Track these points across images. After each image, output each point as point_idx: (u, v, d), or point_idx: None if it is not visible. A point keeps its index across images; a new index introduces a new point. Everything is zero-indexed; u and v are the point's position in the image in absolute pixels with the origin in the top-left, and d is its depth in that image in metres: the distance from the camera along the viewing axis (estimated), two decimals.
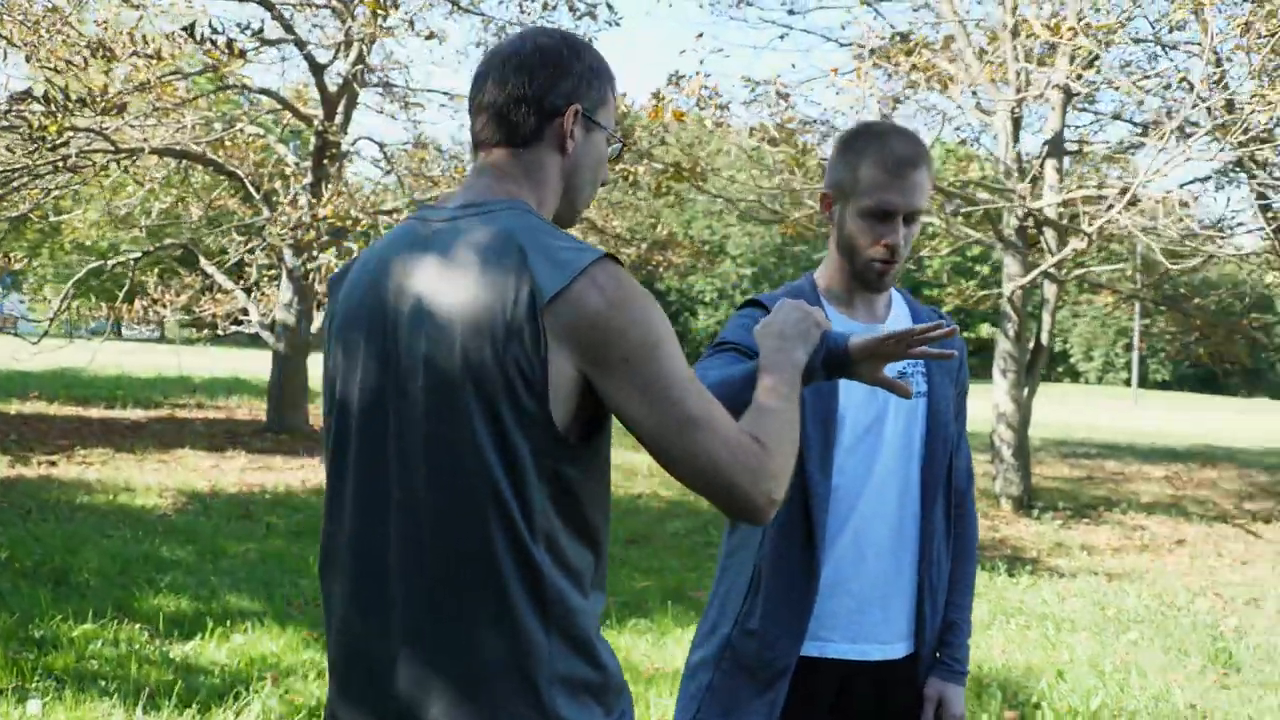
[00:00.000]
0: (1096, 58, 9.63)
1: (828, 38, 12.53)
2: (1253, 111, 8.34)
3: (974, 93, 9.85)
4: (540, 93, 1.49)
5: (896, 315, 2.12)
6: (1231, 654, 5.84)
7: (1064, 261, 9.72)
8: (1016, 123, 9.78)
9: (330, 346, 1.57)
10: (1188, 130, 9.35)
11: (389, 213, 12.18)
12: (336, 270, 1.65)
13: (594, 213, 13.45)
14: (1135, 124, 14.14)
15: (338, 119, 12.55)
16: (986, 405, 11.44)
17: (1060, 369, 63.03)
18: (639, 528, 8.46)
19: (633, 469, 11.43)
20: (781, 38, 12.58)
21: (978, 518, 2.18)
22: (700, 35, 11.94)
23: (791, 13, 13.11)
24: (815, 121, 13.22)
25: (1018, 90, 9.54)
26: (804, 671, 1.97)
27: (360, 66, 12.17)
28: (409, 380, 1.43)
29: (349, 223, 9.76)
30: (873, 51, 12.87)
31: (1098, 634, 6.14)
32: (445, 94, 14.09)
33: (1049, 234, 9.76)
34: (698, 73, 11.06)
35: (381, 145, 13.85)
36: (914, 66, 10.53)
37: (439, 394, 1.41)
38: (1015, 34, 9.55)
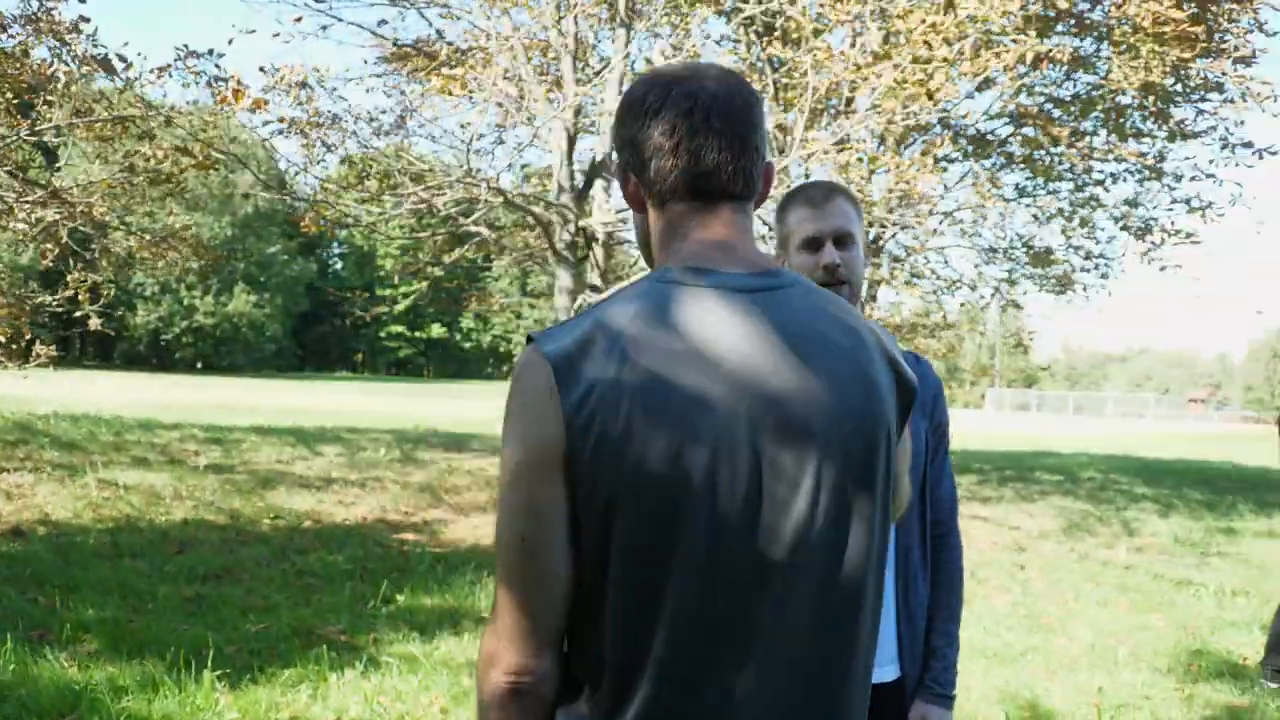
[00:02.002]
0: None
1: (375, 33, 12.01)
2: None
3: (528, 110, 10.15)
4: (761, 146, 1.41)
5: None
6: None
7: (609, 275, 10.41)
8: (571, 142, 10.25)
9: (619, 441, 1.22)
10: None
11: None
12: (562, 347, 1.25)
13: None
14: None
15: None
16: None
17: None
18: (214, 560, 7.53)
19: (155, 491, 10.11)
20: (324, 29, 11.80)
21: (962, 548, 2.34)
22: (299, 19, 10.86)
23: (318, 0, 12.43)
24: (339, 118, 12.76)
25: (576, 111, 10.02)
26: None
27: None
28: (801, 478, 1.27)
29: None
30: (401, 54, 12.71)
31: None
32: None
33: (597, 250, 10.39)
34: (212, 50, 10.10)
35: None
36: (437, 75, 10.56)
37: (840, 494, 1.28)
38: (574, 56, 10.02)
